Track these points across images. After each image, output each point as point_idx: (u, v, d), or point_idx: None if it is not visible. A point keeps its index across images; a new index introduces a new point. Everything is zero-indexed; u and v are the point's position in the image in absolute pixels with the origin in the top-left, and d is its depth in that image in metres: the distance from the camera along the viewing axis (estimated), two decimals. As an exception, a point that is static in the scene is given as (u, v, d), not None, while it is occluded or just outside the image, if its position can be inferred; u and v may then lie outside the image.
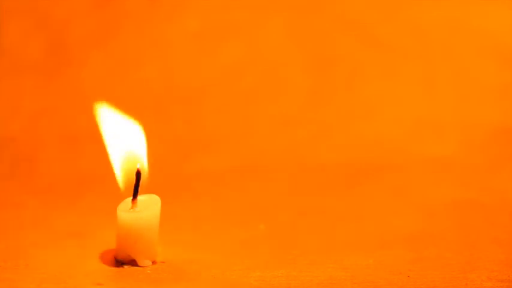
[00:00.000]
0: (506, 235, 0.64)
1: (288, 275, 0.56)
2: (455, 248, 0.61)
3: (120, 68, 0.83)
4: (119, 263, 0.56)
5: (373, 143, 0.80)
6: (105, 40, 0.84)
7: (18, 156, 0.76)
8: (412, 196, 0.71)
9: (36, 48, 0.83)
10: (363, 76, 0.85)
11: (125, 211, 0.56)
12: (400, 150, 0.79)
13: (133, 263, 0.56)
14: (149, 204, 0.56)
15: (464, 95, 0.83)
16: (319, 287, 0.54)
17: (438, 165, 0.77)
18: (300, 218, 0.66)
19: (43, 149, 0.77)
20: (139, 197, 0.56)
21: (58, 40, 0.83)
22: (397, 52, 0.85)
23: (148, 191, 0.57)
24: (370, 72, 0.85)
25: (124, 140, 0.58)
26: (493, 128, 0.81)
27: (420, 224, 0.65)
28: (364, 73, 0.85)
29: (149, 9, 0.85)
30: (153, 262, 0.57)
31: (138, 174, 0.56)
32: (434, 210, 0.68)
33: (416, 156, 0.78)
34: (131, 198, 0.56)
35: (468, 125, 0.81)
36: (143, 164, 0.57)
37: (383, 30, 0.86)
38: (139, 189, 0.56)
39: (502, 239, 0.63)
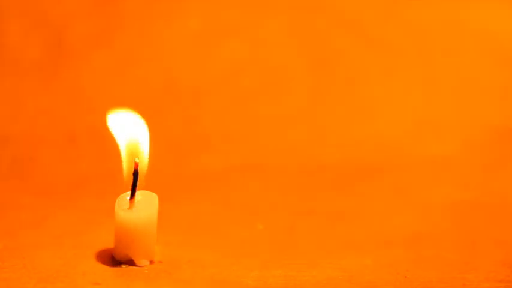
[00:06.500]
0: (506, 235, 0.64)
1: (286, 275, 0.56)
2: (453, 248, 0.61)
3: (120, 68, 0.83)
4: (117, 262, 0.56)
5: (373, 143, 0.80)
6: (105, 40, 0.84)
7: (18, 156, 0.76)
8: (412, 196, 0.71)
9: (36, 48, 0.83)
10: (363, 76, 0.85)
11: (123, 210, 0.56)
12: (400, 150, 0.79)
13: (131, 262, 0.56)
14: (147, 204, 0.56)
15: (464, 95, 0.83)
16: (317, 287, 0.54)
17: (438, 165, 0.77)
18: (298, 218, 0.66)
19: (43, 149, 0.78)
20: (137, 196, 0.56)
21: (58, 40, 0.83)
22: (397, 52, 0.85)
23: (147, 190, 0.57)
24: (370, 72, 0.85)
25: (127, 129, 0.58)
26: (493, 128, 0.81)
27: (419, 224, 0.65)
28: (364, 73, 0.85)
29: (149, 9, 0.85)
30: (151, 262, 0.57)
31: (136, 173, 0.56)
32: (434, 210, 0.68)
33: (416, 156, 0.78)
34: (129, 195, 0.56)
35: (468, 125, 0.81)
36: (143, 158, 0.57)
37: (383, 30, 0.86)
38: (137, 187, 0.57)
39: (502, 239, 0.63)
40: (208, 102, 0.83)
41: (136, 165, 0.56)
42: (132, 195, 0.56)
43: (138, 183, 0.56)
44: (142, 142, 0.58)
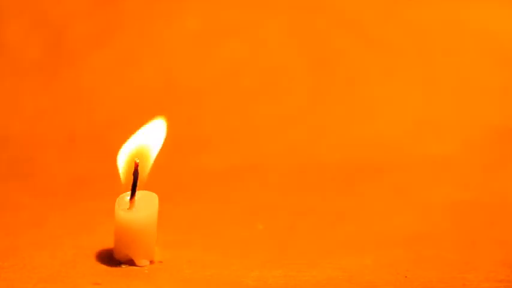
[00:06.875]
0: (506, 235, 0.64)
1: (286, 275, 0.56)
2: (453, 248, 0.61)
3: (120, 68, 0.83)
4: (117, 262, 0.56)
5: (373, 143, 0.80)
6: (105, 40, 0.84)
7: (18, 156, 0.76)
8: (412, 196, 0.71)
9: (36, 48, 0.83)
10: (363, 76, 0.85)
11: (123, 210, 0.56)
12: (400, 150, 0.79)
13: (131, 262, 0.56)
14: (147, 204, 0.56)
15: (464, 95, 0.83)
16: (317, 287, 0.54)
17: (438, 165, 0.77)
18: (298, 217, 0.66)
19: (43, 149, 0.78)
20: (137, 196, 0.56)
21: (58, 40, 0.83)
22: (397, 52, 0.85)
23: (147, 190, 0.57)
24: (370, 72, 0.85)
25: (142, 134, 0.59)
26: (493, 128, 0.81)
27: (419, 224, 0.65)
28: (364, 73, 0.85)
29: (149, 9, 0.85)
30: (151, 262, 0.57)
31: (136, 173, 0.56)
32: (434, 210, 0.68)
33: (416, 156, 0.78)
34: (129, 195, 0.56)
35: (468, 125, 0.81)
36: (148, 159, 0.57)
37: (383, 30, 0.86)
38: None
39: (502, 239, 0.63)
40: (208, 102, 0.83)
41: (136, 165, 0.56)
42: (132, 195, 0.56)
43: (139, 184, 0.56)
44: (152, 146, 0.58)
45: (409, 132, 0.81)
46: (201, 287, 0.54)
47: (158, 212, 0.56)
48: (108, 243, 0.58)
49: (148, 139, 0.59)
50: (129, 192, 0.56)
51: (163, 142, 0.59)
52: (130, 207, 0.56)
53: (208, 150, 0.78)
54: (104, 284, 0.54)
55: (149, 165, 0.58)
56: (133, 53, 0.84)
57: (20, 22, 0.83)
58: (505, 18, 0.86)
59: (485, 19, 0.86)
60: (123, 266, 0.56)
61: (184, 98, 0.83)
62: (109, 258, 0.57)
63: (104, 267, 0.56)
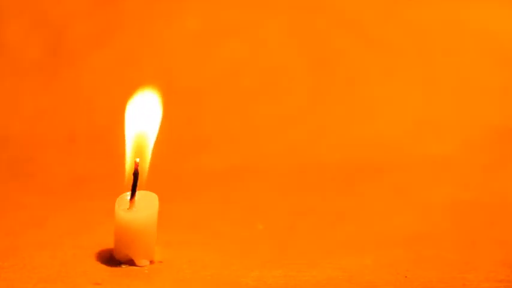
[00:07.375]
0: (506, 235, 0.64)
1: (286, 275, 0.56)
2: (453, 248, 0.61)
3: (120, 68, 0.83)
4: (117, 262, 0.56)
5: (373, 143, 0.80)
6: (105, 40, 0.84)
7: (18, 156, 0.76)
8: (412, 196, 0.71)
9: (36, 48, 0.83)
10: (363, 76, 0.85)
11: (123, 210, 0.56)
12: (400, 150, 0.79)
13: (131, 262, 0.56)
14: (147, 204, 0.56)
15: (464, 95, 0.83)
16: (317, 287, 0.54)
17: (438, 165, 0.77)
18: (298, 217, 0.66)
19: (43, 149, 0.78)
20: (137, 196, 0.56)
21: (58, 40, 0.83)
22: (397, 52, 0.85)
23: (147, 190, 0.57)
24: (370, 72, 0.85)
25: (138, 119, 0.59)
26: (493, 128, 0.81)
27: (419, 224, 0.65)
28: (364, 73, 0.85)
29: (149, 9, 0.85)
30: (151, 262, 0.57)
31: (136, 173, 0.56)
32: (434, 210, 0.68)
33: (416, 156, 0.78)
34: (129, 195, 0.56)
35: (468, 125, 0.81)
36: (147, 153, 0.57)
37: (383, 30, 0.86)
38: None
39: (502, 239, 0.63)
40: (208, 102, 0.83)
41: (137, 165, 0.56)
42: (132, 195, 0.56)
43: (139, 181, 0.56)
44: (149, 136, 0.58)
45: (409, 132, 0.81)
46: (201, 287, 0.54)
47: (158, 212, 0.56)
48: (108, 243, 0.58)
49: (145, 124, 0.59)
50: (129, 192, 0.56)
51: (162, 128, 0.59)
52: (130, 207, 0.56)
53: (208, 150, 0.78)
54: (104, 284, 0.54)
55: (149, 153, 0.58)
56: (133, 53, 0.84)
57: (20, 22, 0.83)
58: (505, 18, 0.86)
59: (485, 19, 0.86)
60: (123, 266, 0.56)
61: (184, 98, 0.83)
62: (109, 258, 0.57)
63: (104, 267, 0.56)
